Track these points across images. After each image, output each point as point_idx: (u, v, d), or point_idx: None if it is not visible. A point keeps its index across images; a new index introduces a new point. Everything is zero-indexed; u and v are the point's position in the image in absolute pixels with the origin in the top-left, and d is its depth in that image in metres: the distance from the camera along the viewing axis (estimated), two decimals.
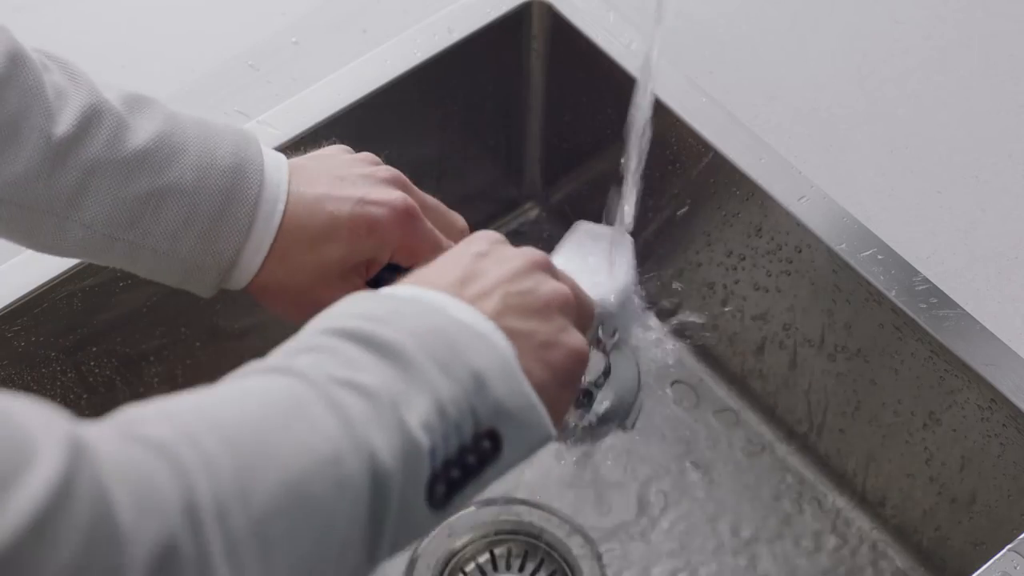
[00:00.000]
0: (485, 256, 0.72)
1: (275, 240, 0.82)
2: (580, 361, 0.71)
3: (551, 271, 0.73)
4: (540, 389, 0.67)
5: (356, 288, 0.83)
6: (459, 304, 0.67)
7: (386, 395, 0.62)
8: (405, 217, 0.84)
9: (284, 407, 0.60)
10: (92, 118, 0.79)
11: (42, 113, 0.78)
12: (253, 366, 0.64)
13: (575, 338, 0.71)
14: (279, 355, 0.65)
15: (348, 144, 1.11)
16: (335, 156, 0.87)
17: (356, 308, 0.67)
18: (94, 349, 1.07)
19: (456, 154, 1.20)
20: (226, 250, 0.81)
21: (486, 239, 0.74)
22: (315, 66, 1.11)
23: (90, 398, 1.09)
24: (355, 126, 1.10)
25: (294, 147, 1.07)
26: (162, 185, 0.80)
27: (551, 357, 0.69)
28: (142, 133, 0.80)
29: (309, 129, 1.07)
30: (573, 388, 0.71)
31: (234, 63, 1.11)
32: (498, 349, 0.66)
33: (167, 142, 0.81)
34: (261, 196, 0.81)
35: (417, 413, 0.62)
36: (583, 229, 0.90)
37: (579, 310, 0.74)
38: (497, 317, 0.68)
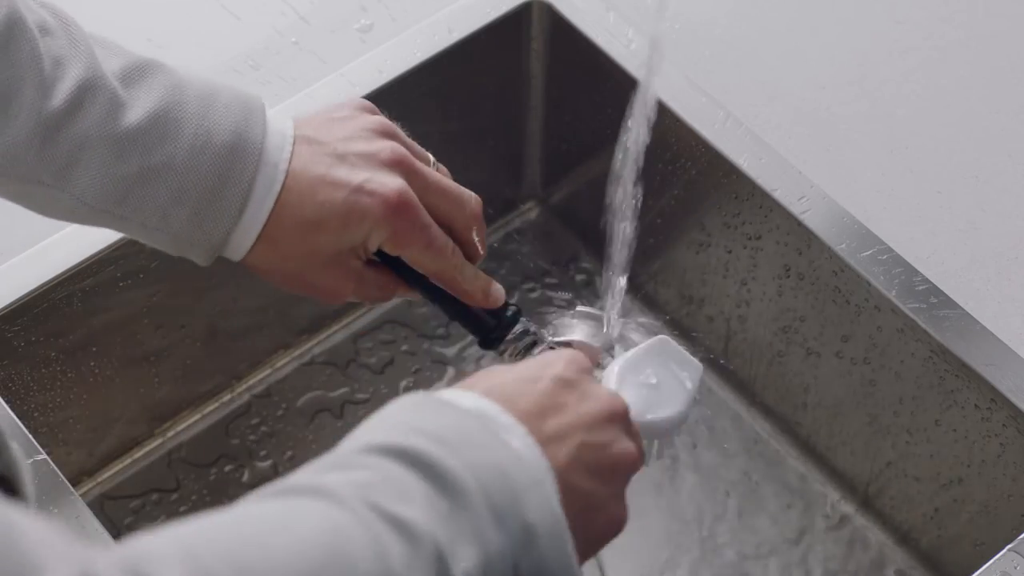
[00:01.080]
0: (569, 387, 0.69)
1: (265, 225, 0.80)
2: (619, 531, 0.70)
3: (626, 424, 0.71)
4: (577, 551, 0.65)
5: (348, 271, 0.82)
6: (529, 440, 0.64)
7: (431, 542, 0.57)
8: (398, 209, 0.81)
9: (322, 549, 0.55)
10: (87, 92, 0.78)
11: (36, 85, 0.77)
12: (293, 483, 0.59)
13: (623, 509, 0.70)
14: (324, 469, 0.60)
15: None
16: (346, 122, 0.84)
17: (418, 419, 0.63)
18: (94, 349, 1.07)
19: (456, 154, 1.20)
20: (215, 231, 0.80)
21: (573, 365, 0.71)
22: (315, 66, 1.11)
23: (90, 398, 1.09)
24: None
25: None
26: (153, 164, 0.79)
27: (597, 523, 0.68)
28: (137, 110, 0.79)
29: None
30: (600, 549, 0.70)
31: (234, 63, 1.11)
32: (554, 507, 0.62)
33: (162, 119, 0.79)
34: (256, 180, 0.80)
35: (463, 568, 0.58)
36: (662, 344, 0.88)
37: (638, 467, 0.72)
38: (566, 470, 0.65)
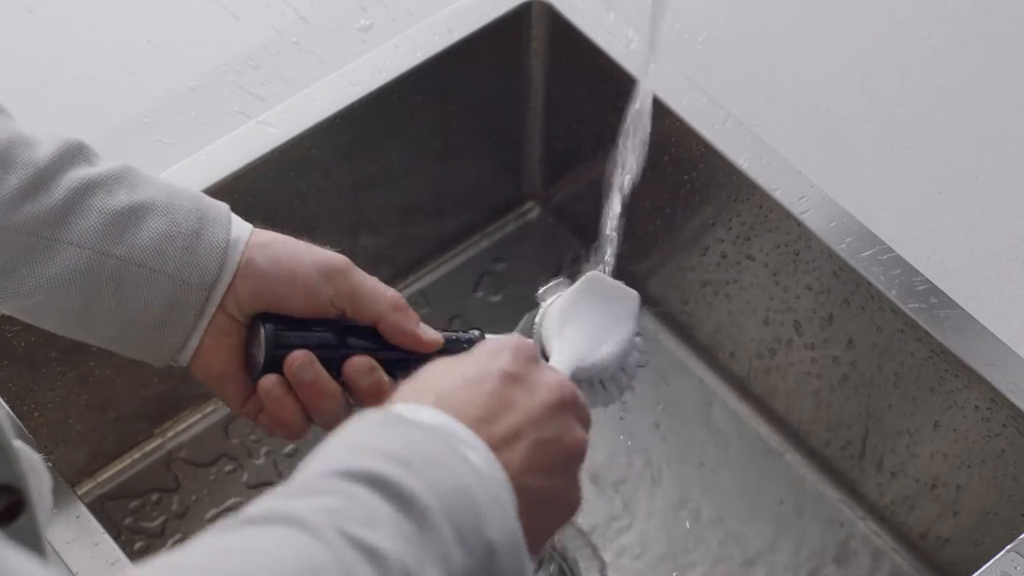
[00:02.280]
0: (516, 382, 0.70)
1: (244, 252, 0.83)
2: (573, 514, 0.71)
3: (575, 409, 0.72)
4: (531, 544, 0.66)
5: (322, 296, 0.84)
6: (486, 453, 0.65)
7: (400, 568, 0.58)
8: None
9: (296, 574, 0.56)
10: (70, 148, 0.83)
11: (24, 144, 0.82)
12: (264, 511, 0.59)
13: (576, 494, 0.71)
14: (292, 495, 0.60)
15: (348, 144, 1.12)
16: None
17: (382, 440, 0.63)
18: (94, 349, 1.06)
19: (456, 154, 1.20)
20: (209, 263, 0.82)
21: (519, 355, 0.71)
22: (315, 66, 1.11)
23: (90, 398, 1.09)
24: (355, 126, 1.10)
25: (294, 147, 1.07)
26: (140, 201, 0.82)
27: (552, 514, 0.70)
28: (111, 163, 0.84)
29: (309, 129, 1.07)
30: (556, 532, 0.71)
31: (234, 63, 1.11)
32: (511, 523, 0.64)
33: (136, 171, 0.84)
34: (231, 217, 0.84)
35: None
36: (593, 281, 0.88)
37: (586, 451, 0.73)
38: (520, 472, 0.67)
